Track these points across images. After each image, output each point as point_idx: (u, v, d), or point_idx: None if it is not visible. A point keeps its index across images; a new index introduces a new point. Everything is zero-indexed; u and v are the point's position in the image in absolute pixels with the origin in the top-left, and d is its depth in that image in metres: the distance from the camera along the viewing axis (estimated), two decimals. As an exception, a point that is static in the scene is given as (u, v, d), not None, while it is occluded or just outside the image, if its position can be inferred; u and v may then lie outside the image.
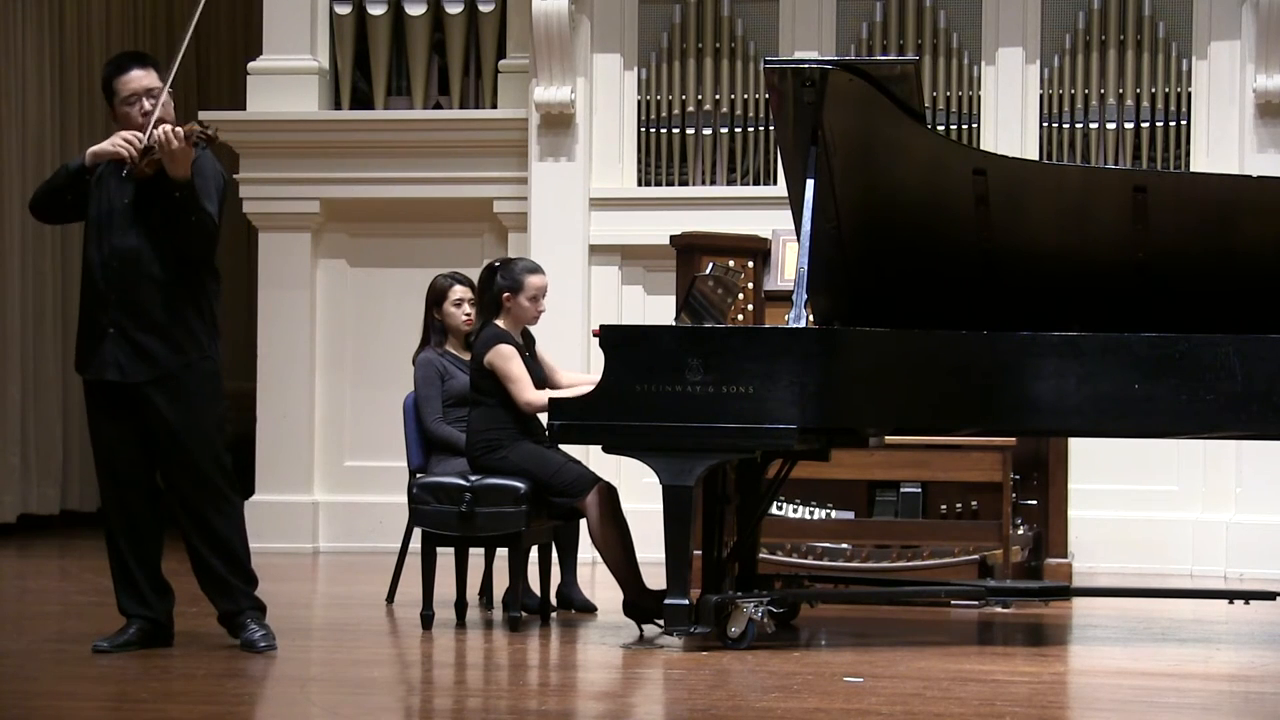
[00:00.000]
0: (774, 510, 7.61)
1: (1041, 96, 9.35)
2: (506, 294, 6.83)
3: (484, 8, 9.94)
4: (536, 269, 6.91)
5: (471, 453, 6.80)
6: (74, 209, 6.02)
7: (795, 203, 6.39)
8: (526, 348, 6.89)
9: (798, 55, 9.25)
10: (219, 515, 5.99)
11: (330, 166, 9.91)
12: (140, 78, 5.96)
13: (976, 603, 7.23)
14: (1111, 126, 9.21)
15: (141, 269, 5.89)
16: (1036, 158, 9.18)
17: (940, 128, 9.24)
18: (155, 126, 5.85)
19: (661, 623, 6.52)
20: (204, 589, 6.05)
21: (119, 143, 5.81)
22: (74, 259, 11.22)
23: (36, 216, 6.17)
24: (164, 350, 5.92)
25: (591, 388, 6.30)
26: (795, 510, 7.80)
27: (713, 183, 9.54)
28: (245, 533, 6.08)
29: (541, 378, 6.86)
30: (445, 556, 6.75)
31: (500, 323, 6.83)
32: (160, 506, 6.08)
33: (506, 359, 6.72)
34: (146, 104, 5.92)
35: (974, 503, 7.71)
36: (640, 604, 6.65)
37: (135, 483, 6.00)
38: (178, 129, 5.79)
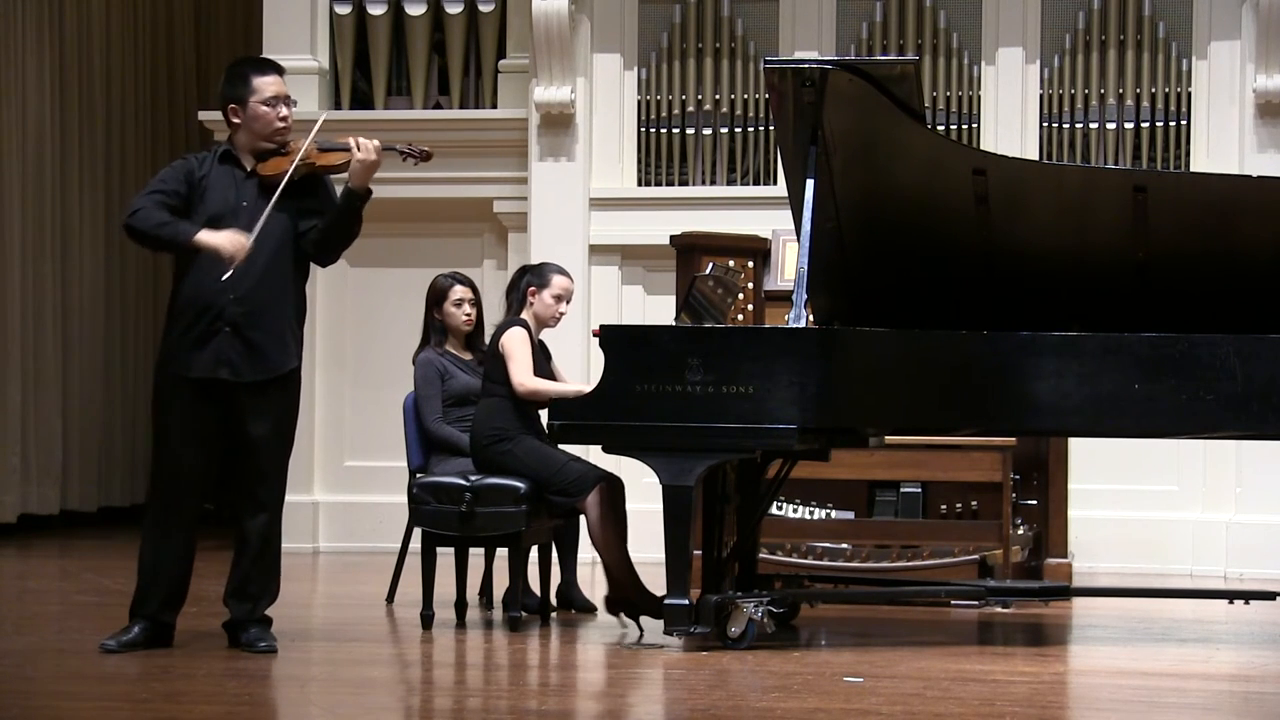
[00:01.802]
0: (774, 510, 7.61)
1: (1041, 96, 9.35)
2: (532, 288, 6.92)
3: (484, 8, 9.94)
4: (565, 272, 7.04)
5: (477, 442, 6.81)
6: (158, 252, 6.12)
7: (795, 203, 6.39)
8: (542, 354, 6.96)
9: (798, 55, 9.25)
10: (277, 525, 6.10)
11: (330, 166, 9.89)
12: (279, 83, 6.08)
13: (976, 603, 7.23)
14: (1111, 126, 9.21)
15: (262, 271, 5.93)
16: (1036, 158, 9.18)
17: (940, 128, 9.24)
18: (311, 136, 5.99)
19: (638, 620, 6.56)
20: (228, 587, 6.08)
21: (229, 245, 5.80)
22: (74, 260, 11.23)
23: (130, 237, 6.07)
24: (275, 353, 5.98)
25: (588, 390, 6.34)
26: (795, 510, 7.80)
27: (713, 183, 9.54)
28: (281, 545, 6.14)
29: (549, 378, 6.91)
30: (445, 556, 6.76)
31: (522, 317, 6.92)
32: (199, 516, 6.10)
33: (516, 342, 6.79)
34: (284, 109, 6.03)
35: (974, 503, 7.71)
36: (637, 603, 6.65)
37: (192, 490, 6.02)
38: (373, 141, 5.96)
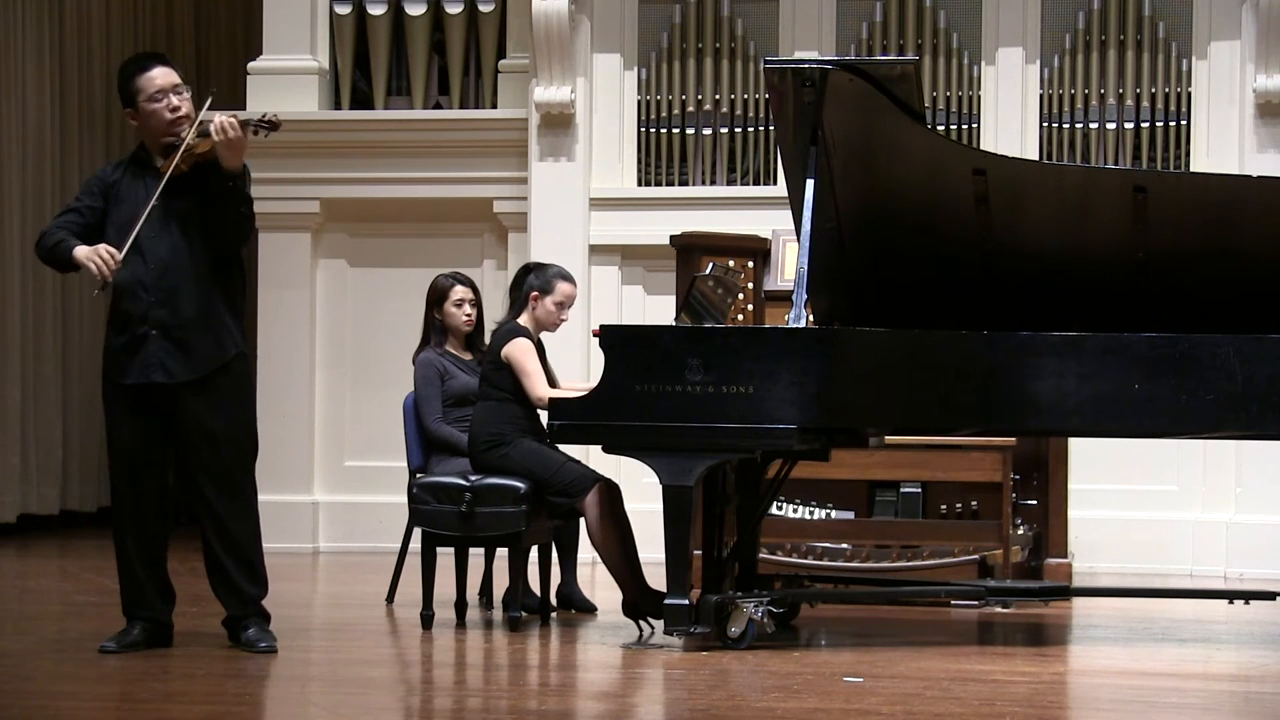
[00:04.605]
0: (774, 510, 7.61)
1: (1041, 96, 9.35)
2: (535, 293, 6.91)
3: (484, 8, 9.94)
4: (569, 277, 7.01)
5: (475, 447, 6.81)
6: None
7: (795, 203, 6.39)
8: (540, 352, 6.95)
9: (798, 55, 9.25)
10: (240, 519, 6.00)
11: (330, 166, 9.92)
12: (166, 74, 5.98)
13: (976, 603, 7.23)
14: (1111, 126, 9.21)
15: (180, 268, 5.90)
16: (1036, 158, 9.18)
17: (940, 128, 9.24)
18: (193, 125, 5.89)
19: (651, 622, 6.55)
20: (214, 589, 6.06)
21: (92, 258, 5.74)
22: (74, 259, 11.22)
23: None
24: (207, 347, 5.93)
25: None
26: (795, 510, 7.80)
27: (713, 183, 9.54)
28: (260, 537, 6.09)
29: (552, 381, 6.91)
30: (445, 556, 6.76)
31: (522, 320, 6.89)
32: (169, 509, 6.08)
33: (524, 352, 6.77)
34: (174, 100, 5.95)
35: (974, 503, 7.71)
36: (639, 604, 6.65)
37: (151, 486, 5.99)
38: (233, 118, 5.84)
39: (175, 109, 5.94)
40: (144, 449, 5.96)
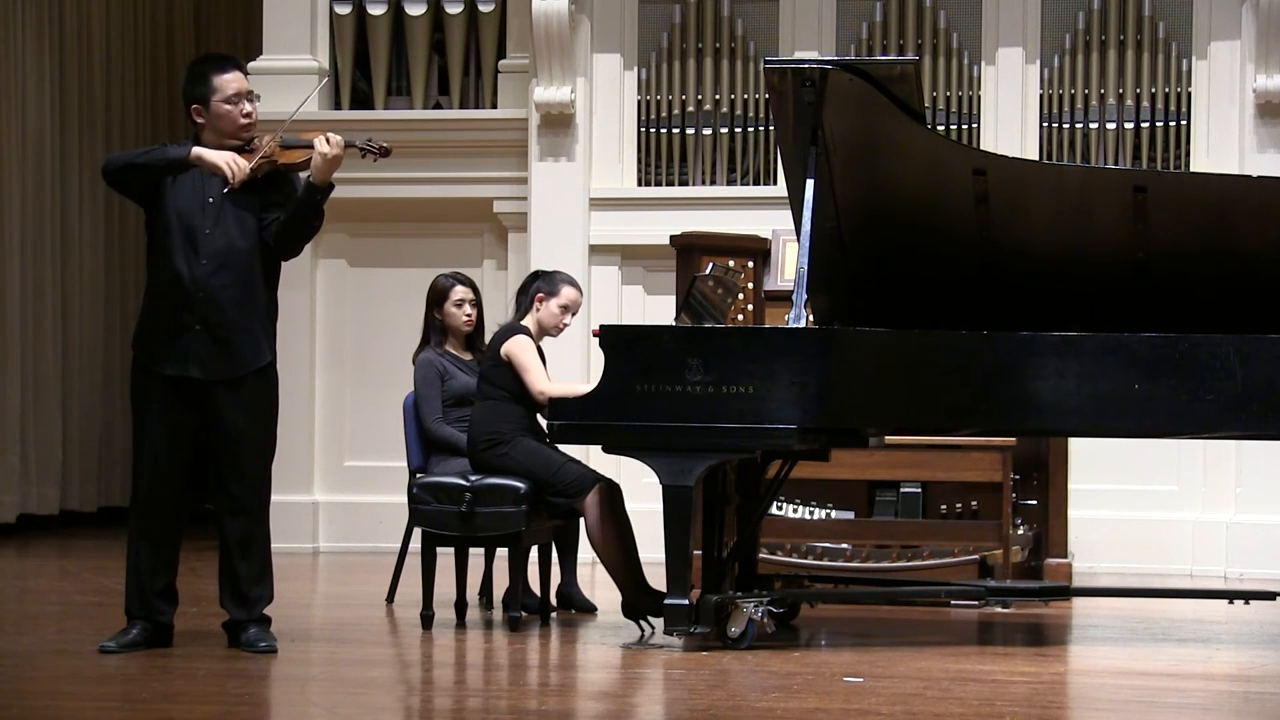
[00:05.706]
0: (774, 510, 7.61)
1: (1041, 96, 9.35)
2: (540, 295, 6.93)
3: (484, 8, 9.94)
4: (575, 283, 7.05)
5: (474, 447, 6.81)
6: (148, 192, 5.99)
7: (795, 203, 6.39)
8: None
9: (798, 55, 9.25)
10: (257, 524, 6.03)
11: (330, 166, 9.89)
12: (241, 79, 6.04)
13: (976, 603, 7.23)
14: (1111, 126, 9.21)
15: (232, 268, 5.93)
16: (1036, 158, 9.18)
17: (940, 128, 9.24)
18: (263, 138, 5.97)
19: (651, 622, 6.55)
20: (221, 590, 6.06)
21: (229, 162, 5.84)
22: (74, 260, 11.23)
23: (108, 181, 6.04)
24: (246, 349, 5.97)
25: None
26: (795, 510, 7.80)
27: (713, 183, 9.54)
28: (270, 544, 6.09)
29: None
30: (445, 556, 6.76)
31: (525, 322, 6.92)
32: (185, 514, 6.08)
33: (524, 349, 6.78)
34: (248, 106, 6.00)
35: (974, 503, 7.71)
36: (639, 604, 6.65)
37: (172, 488, 5.99)
38: (337, 136, 5.95)
39: (248, 114, 6.01)
40: (172, 447, 5.95)
